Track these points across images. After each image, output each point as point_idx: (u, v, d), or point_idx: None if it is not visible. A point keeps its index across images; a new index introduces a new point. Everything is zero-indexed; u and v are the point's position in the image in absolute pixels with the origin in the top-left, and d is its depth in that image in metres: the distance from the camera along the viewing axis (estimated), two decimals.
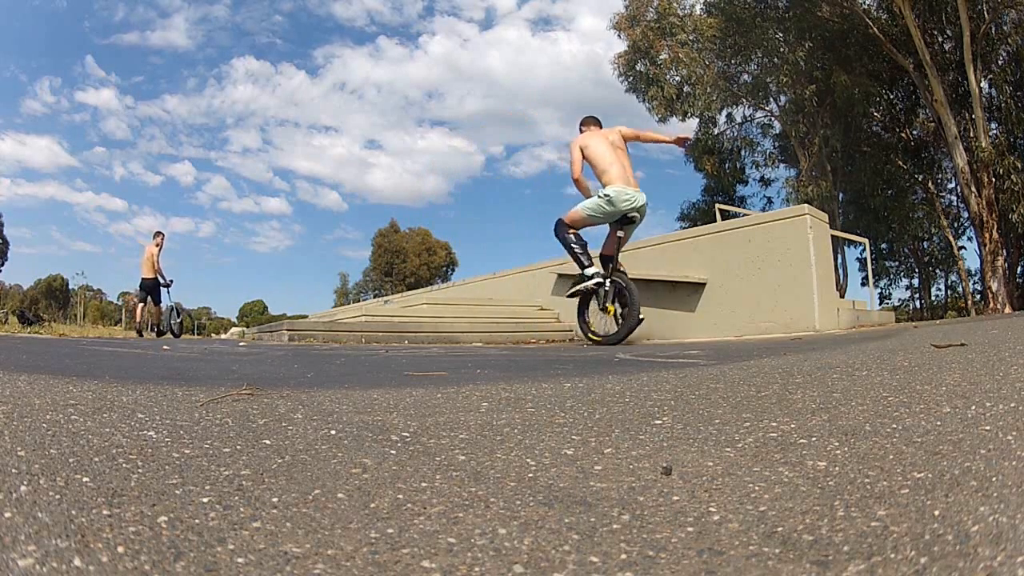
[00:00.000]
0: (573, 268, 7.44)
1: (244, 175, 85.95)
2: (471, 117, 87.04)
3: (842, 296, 10.89)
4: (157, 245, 9.64)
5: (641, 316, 4.47)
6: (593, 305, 4.83)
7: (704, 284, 5.85)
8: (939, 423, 1.02)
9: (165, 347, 4.11)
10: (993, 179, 12.92)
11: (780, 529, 0.62)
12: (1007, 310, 12.53)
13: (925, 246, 20.15)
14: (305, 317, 11.57)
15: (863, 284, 21.50)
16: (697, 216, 20.07)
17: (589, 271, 4.68)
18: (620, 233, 4.67)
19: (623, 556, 0.57)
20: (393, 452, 0.96)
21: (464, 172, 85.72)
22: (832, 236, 6.41)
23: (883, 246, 19.61)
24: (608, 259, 4.76)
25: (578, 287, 4.78)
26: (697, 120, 18.67)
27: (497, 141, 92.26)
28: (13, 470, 0.78)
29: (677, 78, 17.36)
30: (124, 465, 0.84)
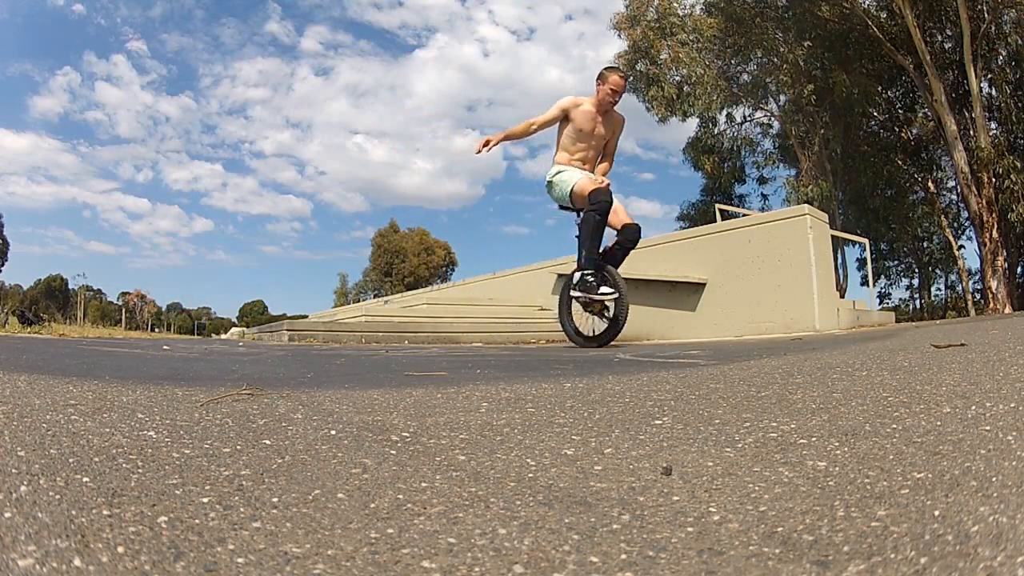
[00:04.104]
0: (572, 268, 7.46)
1: (260, 175, 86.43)
2: (497, 122, 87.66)
3: (842, 296, 10.88)
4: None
5: None
6: None
7: (704, 284, 5.85)
8: (939, 423, 1.02)
9: (165, 347, 4.12)
10: (993, 179, 12.93)
11: (780, 529, 0.62)
12: (1007, 310, 12.53)
13: (925, 246, 20.15)
14: (305, 317, 11.58)
15: (863, 284, 21.49)
16: (697, 216, 20.06)
17: None
18: None
19: (623, 556, 0.57)
20: (393, 452, 0.96)
21: (487, 174, 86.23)
22: (832, 236, 6.41)
23: (883, 246, 19.61)
24: None
25: None
26: (697, 120, 18.70)
27: (520, 144, 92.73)
28: (13, 470, 0.78)
29: (677, 78, 17.38)
30: (124, 465, 0.84)
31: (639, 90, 17.76)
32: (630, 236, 4.09)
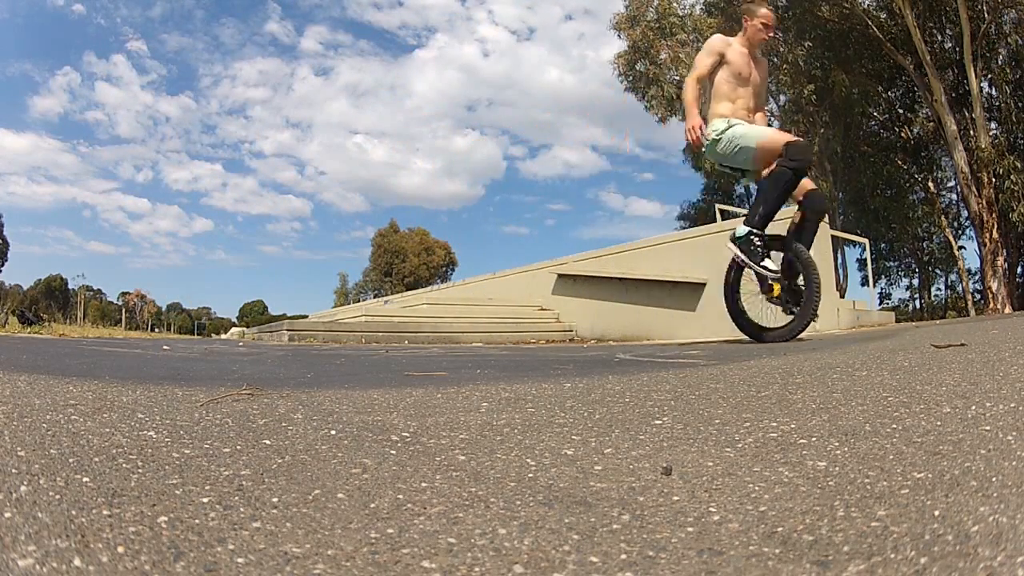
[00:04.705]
0: (572, 268, 7.46)
1: (260, 175, 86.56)
2: (497, 122, 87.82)
3: (842, 296, 10.88)
4: None
5: None
6: None
7: (704, 284, 5.85)
8: (939, 423, 1.02)
9: (165, 347, 4.12)
10: (993, 179, 12.93)
11: (780, 529, 0.62)
12: (1007, 310, 12.53)
13: (925, 246, 20.13)
14: (305, 317, 11.57)
15: (863, 284, 21.47)
16: (697, 216, 20.07)
17: None
18: None
19: (623, 556, 0.57)
20: (393, 452, 0.96)
21: (487, 174, 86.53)
22: (832, 236, 6.41)
23: (883, 246, 19.60)
24: None
25: None
26: None
27: (520, 144, 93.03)
28: (13, 470, 0.78)
29: (677, 78, 17.35)
30: (124, 465, 0.84)
31: (639, 90, 17.77)
32: (817, 206, 3.38)
